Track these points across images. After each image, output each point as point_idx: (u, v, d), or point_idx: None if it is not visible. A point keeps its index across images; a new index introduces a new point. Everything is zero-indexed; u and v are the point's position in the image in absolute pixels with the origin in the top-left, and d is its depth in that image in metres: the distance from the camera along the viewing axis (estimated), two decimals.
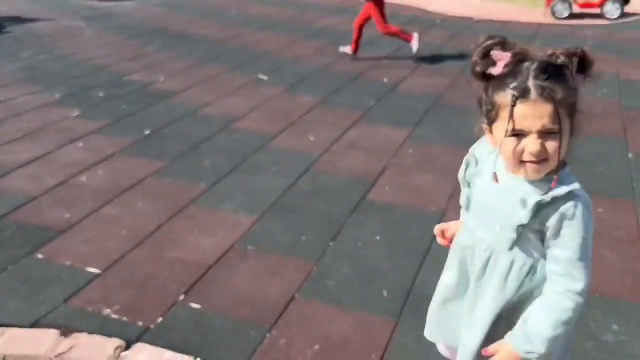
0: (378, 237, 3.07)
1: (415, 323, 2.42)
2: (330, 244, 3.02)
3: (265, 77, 6.13)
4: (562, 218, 1.30)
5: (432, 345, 2.27)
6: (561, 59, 1.27)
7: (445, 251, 2.77)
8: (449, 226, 1.70)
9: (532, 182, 1.33)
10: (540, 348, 1.35)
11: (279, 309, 2.51)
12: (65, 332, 2.38)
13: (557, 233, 1.32)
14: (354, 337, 2.36)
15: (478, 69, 1.33)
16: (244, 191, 3.60)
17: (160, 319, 2.47)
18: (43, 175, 3.86)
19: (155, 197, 3.54)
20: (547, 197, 1.29)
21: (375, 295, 2.61)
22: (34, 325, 2.43)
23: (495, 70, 1.30)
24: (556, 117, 1.23)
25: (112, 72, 6.46)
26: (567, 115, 1.26)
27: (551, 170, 1.30)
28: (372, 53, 7.11)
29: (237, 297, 2.60)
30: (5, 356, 2.27)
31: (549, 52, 1.29)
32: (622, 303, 2.52)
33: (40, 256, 2.93)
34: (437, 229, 1.70)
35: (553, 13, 9.43)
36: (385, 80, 6.02)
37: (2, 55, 7.31)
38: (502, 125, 1.29)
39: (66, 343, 2.31)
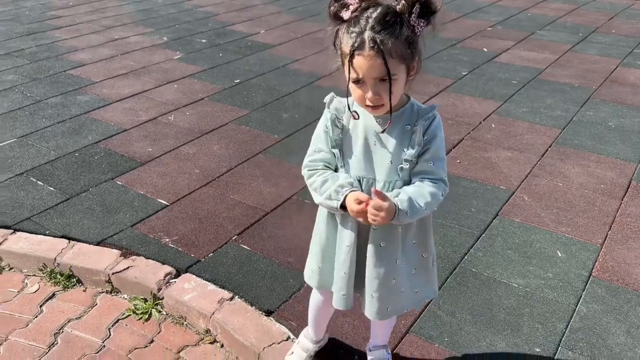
0: (435, 209, 3.00)
1: (454, 297, 2.38)
2: None
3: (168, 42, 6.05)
4: (430, 134, 1.49)
5: (465, 321, 2.24)
6: (400, 6, 1.35)
7: (503, 232, 2.69)
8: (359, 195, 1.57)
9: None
10: (415, 208, 1.46)
11: None
12: (126, 253, 2.62)
13: (423, 146, 1.50)
14: None
15: (332, 9, 1.40)
16: None
17: (211, 254, 2.63)
18: (137, 110, 4.16)
19: (231, 142, 3.70)
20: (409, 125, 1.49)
21: None
22: (100, 243, 2.69)
23: (345, 15, 1.38)
24: (387, 67, 1.33)
25: (218, 21, 6.71)
26: (400, 62, 1.36)
27: (395, 106, 1.44)
28: (479, 20, 6.75)
29: (285, 245, 2.69)
30: (71, 266, 2.55)
31: None
32: None
33: (119, 182, 3.21)
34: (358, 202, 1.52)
35: None
36: (485, 49, 5.71)
37: None
38: (346, 70, 1.40)
39: (124, 263, 2.54)
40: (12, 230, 2.77)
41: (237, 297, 2.36)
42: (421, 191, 1.48)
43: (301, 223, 2.86)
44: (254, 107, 4.26)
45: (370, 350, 2.01)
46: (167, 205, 3.00)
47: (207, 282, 2.45)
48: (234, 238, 2.74)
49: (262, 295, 2.37)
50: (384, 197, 1.42)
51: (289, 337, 2.16)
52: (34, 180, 3.20)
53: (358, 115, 1.52)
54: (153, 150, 3.58)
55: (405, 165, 1.51)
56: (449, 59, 5.43)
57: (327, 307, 1.85)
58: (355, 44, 1.33)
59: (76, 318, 2.36)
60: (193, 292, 2.39)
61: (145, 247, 2.66)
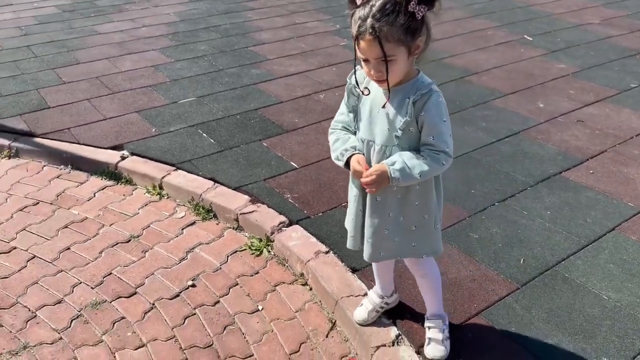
0: (548, 212, 2.97)
1: (536, 295, 2.42)
2: (496, 203, 3.06)
3: (530, 39, 5.88)
4: (419, 107, 1.67)
5: (539, 318, 2.29)
6: None
7: (613, 247, 2.69)
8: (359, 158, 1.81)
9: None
10: (407, 175, 1.68)
11: None
12: (254, 200, 3.09)
13: (417, 119, 1.69)
14: (467, 283, 2.49)
15: None
16: None
17: (320, 214, 2.98)
18: (295, 87, 4.68)
19: None
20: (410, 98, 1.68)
21: (510, 260, 2.63)
22: (237, 188, 3.21)
23: (358, 0, 1.58)
24: (384, 50, 1.55)
25: None
26: (398, 45, 1.57)
27: (401, 81, 1.68)
28: None
29: None
30: (211, 202, 3.10)
31: None
32: None
33: (264, 144, 3.72)
34: (356, 167, 1.79)
35: None
36: None
37: None
38: (354, 50, 1.64)
39: (250, 207, 3.02)
40: (175, 168, 3.43)
41: (331, 252, 2.68)
42: (418, 160, 1.70)
43: None
44: None
45: (427, 319, 2.18)
46: (296, 168, 3.42)
47: (310, 235, 2.81)
48: (343, 204, 3.05)
49: (352, 256, 2.65)
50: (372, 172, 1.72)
51: (365, 294, 2.42)
52: (200, 132, 3.87)
53: (369, 91, 1.77)
54: (299, 121, 4.04)
55: (399, 133, 1.72)
56: (621, 69, 5.04)
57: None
58: (360, 29, 1.57)
59: (205, 243, 2.89)
60: (297, 241, 2.77)
61: (269, 198, 3.11)
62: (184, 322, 2.39)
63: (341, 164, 1.83)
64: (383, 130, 1.76)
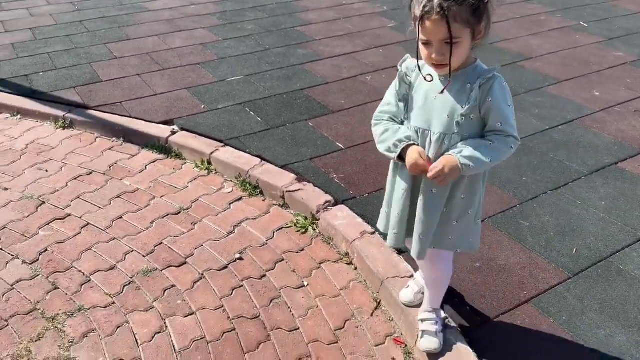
0: (603, 203, 2.88)
1: (588, 285, 2.36)
2: (548, 192, 2.98)
3: (586, 25, 5.66)
4: (486, 91, 1.62)
5: (591, 308, 2.24)
6: None
7: None
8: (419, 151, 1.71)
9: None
10: (478, 161, 1.63)
11: None
12: (300, 179, 3.10)
13: (483, 104, 1.63)
14: (516, 271, 2.44)
15: None
16: None
17: (366, 195, 2.97)
18: (341, 68, 4.65)
19: None
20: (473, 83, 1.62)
21: (562, 249, 2.57)
22: (283, 167, 3.22)
23: None
24: (450, 31, 1.49)
25: None
26: (465, 26, 1.52)
27: (460, 66, 1.62)
28: None
29: None
30: (258, 179, 3.12)
31: None
32: None
33: (310, 124, 3.72)
34: (418, 160, 1.69)
35: None
36: None
37: None
38: (417, 32, 1.57)
39: (296, 186, 3.03)
40: (223, 144, 3.47)
41: (377, 233, 2.67)
42: (486, 144, 1.65)
43: None
44: None
45: (422, 312, 2.13)
46: (342, 149, 3.41)
47: (356, 215, 2.80)
48: None
49: None
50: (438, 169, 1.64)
51: (412, 275, 2.40)
52: (248, 110, 3.90)
53: (432, 77, 1.68)
54: (345, 102, 4.02)
55: (461, 120, 1.64)
56: None
57: None
58: (426, 9, 1.49)
59: (252, 218, 2.92)
60: (343, 220, 2.77)
61: (315, 177, 3.11)
62: (231, 293, 2.43)
63: (394, 155, 1.73)
64: (441, 117, 1.68)
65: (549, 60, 4.75)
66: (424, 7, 1.50)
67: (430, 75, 1.68)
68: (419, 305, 2.21)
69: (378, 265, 2.48)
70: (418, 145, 1.72)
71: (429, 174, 1.65)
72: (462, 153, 1.63)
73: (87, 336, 2.21)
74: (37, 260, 2.59)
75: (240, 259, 2.63)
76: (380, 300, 2.41)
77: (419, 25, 1.55)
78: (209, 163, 3.37)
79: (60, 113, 3.83)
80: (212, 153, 3.37)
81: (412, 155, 1.68)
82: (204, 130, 3.61)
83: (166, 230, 2.81)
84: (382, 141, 1.78)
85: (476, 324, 2.19)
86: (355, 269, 2.59)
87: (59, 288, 2.44)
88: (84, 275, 2.51)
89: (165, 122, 3.72)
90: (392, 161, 1.86)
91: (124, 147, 3.57)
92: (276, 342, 2.20)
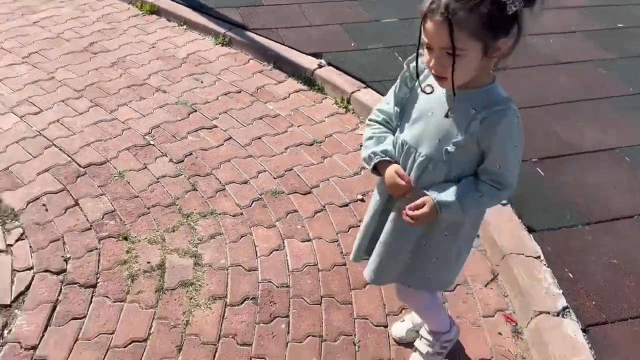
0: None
1: None
2: None
3: None
4: (489, 128, 1.31)
5: None
6: None
7: None
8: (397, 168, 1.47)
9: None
10: (456, 212, 1.39)
11: None
12: None
13: (481, 141, 1.35)
14: None
15: None
16: None
17: None
18: None
19: (576, 77, 3.62)
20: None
21: None
22: None
23: None
24: (452, 40, 1.20)
25: None
26: (471, 37, 1.20)
27: (468, 84, 1.31)
28: None
29: (574, 184, 2.68)
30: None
31: None
32: None
33: None
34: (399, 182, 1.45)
35: None
36: None
37: None
38: (419, 32, 1.29)
39: None
40: (365, 85, 3.45)
41: (509, 204, 2.54)
42: (474, 196, 1.39)
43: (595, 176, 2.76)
44: (624, 54, 3.96)
45: (423, 329, 1.96)
46: None
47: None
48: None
49: (531, 215, 2.49)
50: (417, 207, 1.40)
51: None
52: (396, 55, 3.82)
53: (432, 89, 1.38)
54: None
55: (452, 149, 1.35)
56: None
57: None
58: (430, 6, 1.21)
59: None
60: None
61: None
62: (348, 231, 2.48)
63: (369, 168, 1.50)
64: (432, 139, 1.39)
65: None
66: (431, 3, 1.22)
67: (430, 86, 1.39)
68: (540, 290, 2.10)
69: (503, 238, 2.37)
70: (396, 162, 1.48)
71: (409, 213, 1.42)
72: (444, 197, 1.39)
73: (214, 238, 2.41)
74: (182, 161, 2.83)
75: (362, 200, 2.66)
76: (498, 274, 2.32)
77: (421, 24, 1.26)
78: (348, 102, 3.39)
79: (221, 30, 4.04)
80: (353, 92, 3.38)
81: (390, 174, 1.46)
82: (350, 69, 3.61)
83: (298, 158, 2.91)
84: (364, 147, 1.54)
85: (599, 321, 2.04)
86: (478, 236, 2.51)
87: (197, 190, 2.66)
88: (220, 183, 2.71)
89: (314, 55, 3.77)
90: None
91: (273, 72, 3.70)
92: (384, 287, 2.23)
